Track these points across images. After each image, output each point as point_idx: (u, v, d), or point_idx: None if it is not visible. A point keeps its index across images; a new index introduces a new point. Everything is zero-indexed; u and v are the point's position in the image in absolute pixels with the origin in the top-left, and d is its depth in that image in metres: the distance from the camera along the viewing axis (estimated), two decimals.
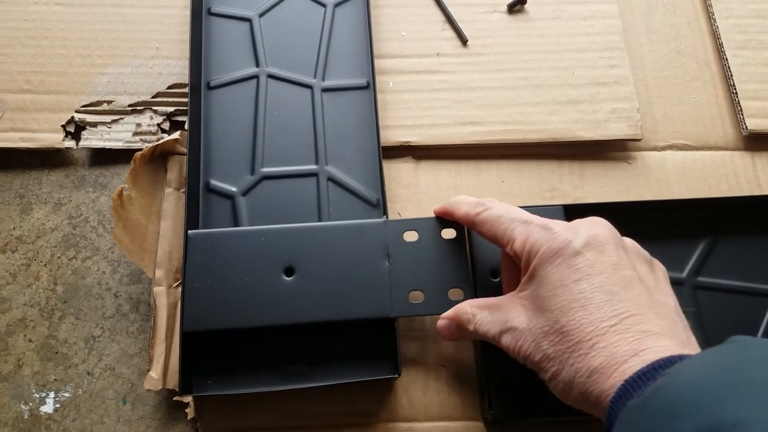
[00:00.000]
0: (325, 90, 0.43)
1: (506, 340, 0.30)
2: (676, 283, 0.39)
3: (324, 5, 0.46)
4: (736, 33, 0.48)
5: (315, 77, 0.43)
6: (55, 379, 0.37)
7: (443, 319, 0.33)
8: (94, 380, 0.38)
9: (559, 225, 0.30)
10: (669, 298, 0.29)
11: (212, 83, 0.43)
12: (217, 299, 0.34)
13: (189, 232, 0.36)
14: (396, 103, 0.44)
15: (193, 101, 0.41)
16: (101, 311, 0.39)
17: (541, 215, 0.36)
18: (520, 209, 0.32)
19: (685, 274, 0.39)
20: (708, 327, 0.38)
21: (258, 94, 0.43)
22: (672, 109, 0.46)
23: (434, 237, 0.36)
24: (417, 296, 0.35)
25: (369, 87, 0.43)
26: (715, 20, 0.48)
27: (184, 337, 0.34)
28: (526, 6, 0.48)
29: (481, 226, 0.33)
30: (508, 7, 0.48)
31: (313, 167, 0.41)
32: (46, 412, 0.37)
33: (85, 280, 0.40)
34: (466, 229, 0.37)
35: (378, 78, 0.45)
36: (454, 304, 0.35)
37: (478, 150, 0.44)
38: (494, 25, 0.48)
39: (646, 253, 0.31)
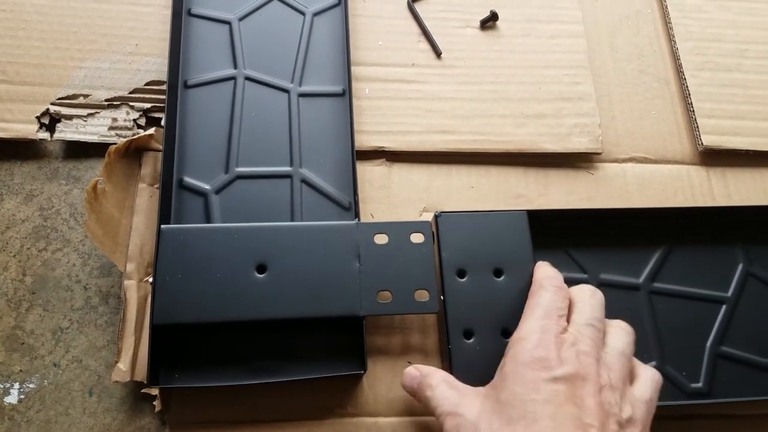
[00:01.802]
0: (301, 95, 0.44)
1: (449, 424, 0.30)
2: (632, 288, 0.41)
3: (303, 13, 0.47)
4: (694, 55, 0.51)
5: (292, 82, 0.44)
6: (21, 370, 0.37)
7: (414, 370, 0.34)
8: (61, 372, 0.37)
9: (555, 347, 0.30)
10: None
11: (189, 82, 0.43)
12: (187, 293, 0.35)
13: (162, 226, 0.36)
14: (371, 109, 0.46)
15: (170, 99, 0.41)
16: (70, 303, 0.39)
17: (505, 219, 0.38)
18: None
19: (641, 279, 0.41)
20: (662, 330, 0.40)
21: (235, 95, 0.43)
22: (633, 124, 0.49)
23: (403, 240, 0.37)
24: (385, 296, 0.36)
25: (345, 94, 0.44)
26: (675, 42, 0.51)
27: (154, 329, 0.35)
28: (498, 23, 0.50)
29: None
30: (480, 23, 0.50)
31: (287, 169, 0.42)
32: (10, 403, 0.36)
33: (55, 272, 0.40)
34: (433, 233, 0.38)
35: (355, 85, 0.46)
36: (421, 305, 0.36)
37: (449, 156, 0.45)
38: (467, 39, 0.49)
39: (625, 417, 0.29)
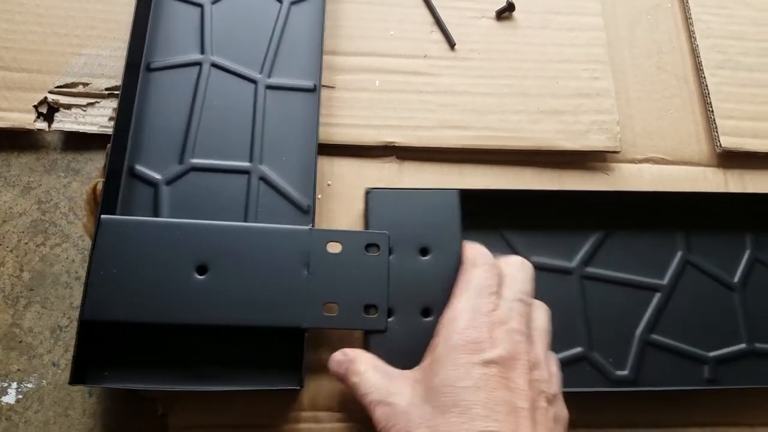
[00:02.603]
0: (269, 87, 0.42)
1: (379, 413, 0.30)
2: (564, 272, 0.40)
3: (280, 1, 0.45)
4: (715, 52, 0.49)
5: (261, 73, 0.42)
6: (18, 369, 0.36)
7: (341, 354, 0.33)
8: (60, 371, 0.36)
9: (486, 326, 0.30)
10: None
11: (152, 65, 0.41)
12: (122, 290, 0.33)
13: (102, 216, 0.34)
14: (382, 102, 0.44)
15: (128, 81, 0.39)
16: (69, 300, 0.38)
17: (437, 197, 0.38)
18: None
19: (574, 263, 0.40)
20: (592, 316, 0.39)
21: (198, 82, 0.41)
22: (651, 123, 0.47)
23: (358, 251, 0.36)
24: (331, 308, 0.35)
25: (315, 90, 0.42)
26: (695, 39, 0.50)
27: (82, 325, 0.33)
28: (515, 13, 0.48)
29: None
30: (496, 13, 0.48)
31: (246, 164, 0.39)
32: (7, 403, 0.35)
33: (53, 268, 0.39)
34: (388, 246, 0.36)
35: (364, 76, 0.44)
36: (368, 321, 0.35)
37: (461, 154, 0.44)
38: (482, 30, 0.48)
39: (552, 391, 0.30)
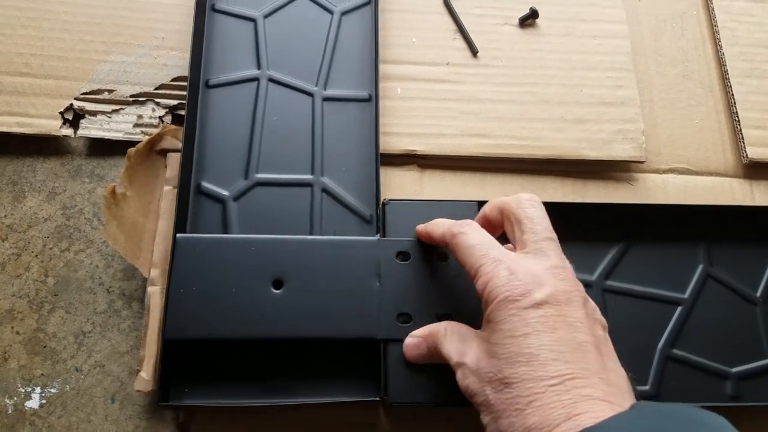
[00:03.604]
0: (326, 99, 0.42)
1: (459, 374, 0.30)
2: (585, 285, 0.39)
3: (331, 12, 0.45)
4: (741, 61, 0.48)
5: (317, 85, 0.43)
6: (42, 374, 0.36)
7: (413, 338, 0.33)
8: (83, 377, 0.37)
9: (525, 271, 0.29)
10: (618, 366, 0.29)
11: (211, 82, 0.42)
12: (201, 307, 0.34)
13: (177, 236, 0.35)
14: (404, 110, 0.44)
15: (190, 99, 0.40)
16: (93, 306, 0.38)
17: (454, 209, 0.37)
18: (493, 243, 0.31)
19: (595, 276, 0.40)
20: (612, 330, 0.38)
21: (257, 97, 0.42)
22: (675, 132, 0.47)
23: (427, 260, 0.36)
24: (406, 319, 0.35)
25: (371, 100, 0.42)
26: (721, 47, 0.49)
27: (165, 344, 0.33)
28: (538, 20, 0.48)
29: (455, 250, 0.32)
30: (519, 20, 0.48)
31: (308, 177, 0.40)
32: (31, 408, 0.36)
33: (77, 273, 0.39)
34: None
35: (386, 84, 0.44)
36: None
37: (483, 162, 0.44)
38: (505, 37, 0.47)
39: (602, 318, 0.30)
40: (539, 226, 0.31)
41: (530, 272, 0.29)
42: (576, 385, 0.26)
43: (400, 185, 0.42)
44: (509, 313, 0.28)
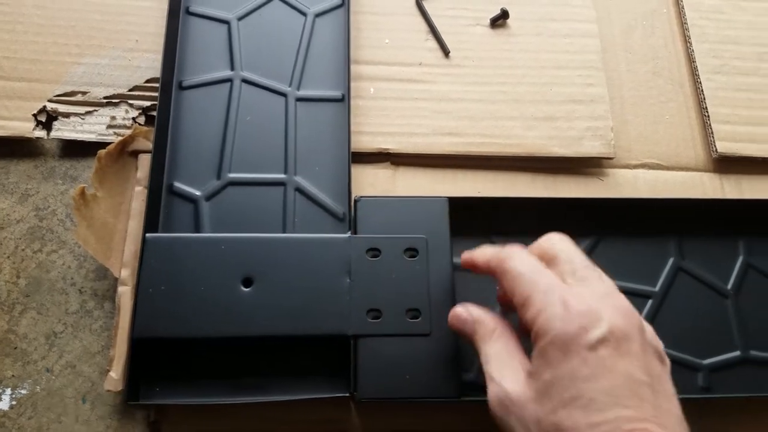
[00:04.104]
0: (299, 99, 0.43)
1: (492, 392, 0.28)
2: None
3: (305, 14, 0.46)
4: (710, 57, 0.49)
5: (290, 86, 0.43)
6: (13, 375, 0.36)
7: (465, 312, 0.31)
8: (54, 378, 0.37)
9: (579, 302, 0.27)
10: (674, 405, 0.27)
11: (184, 83, 0.42)
12: (171, 306, 0.34)
13: (147, 235, 0.35)
14: (376, 109, 0.44)
15: (162, 100, 0.40)
16: (64, 307, 0.38)
17: (425, 205, 0.38)
18: (543, 269, 0.29)
19: None
20: None
21: (231, 98, 0.42)
22: (646, 128, 0.47)
23: (397, 256, 0.36)
24: (376, 315, 0.35)
25: (344, 100, 0.43)
26: (691, 44, 0.50)
27: (134, 343, 0.34)
28: (509, 21, 0.48)
29: (501, 278, 0.30)
30: (491, 21, 0.48)
31: (281, 176, 0.40)
32: (1, 409, 0.36)
33: (50, 274, 0.39)
34: (426, 249, 0.37)
35: (359, 84, 0.45)
36: (412, 325, 0.35)
37: (455, 160, 0.44)
38: (476, 38, 0.48)
39: (658, 344, 0.29)
40: (576, 257, 0.30)
41: (585, 303, 0.27)
42: (633, 428, 0.24)
43: (373, 183, 0.43)
44: (566, 352, 0.26)
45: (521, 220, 0.40)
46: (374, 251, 0.36)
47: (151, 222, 0.37)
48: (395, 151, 0.43)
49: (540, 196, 0.42)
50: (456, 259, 0.39)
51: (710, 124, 0.46)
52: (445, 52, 0.47)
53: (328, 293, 0.35)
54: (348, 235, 0.37)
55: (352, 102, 0.43)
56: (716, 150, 0.45)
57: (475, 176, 0.44)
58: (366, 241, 0.36)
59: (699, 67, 0.49)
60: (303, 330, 0.34)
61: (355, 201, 0.38)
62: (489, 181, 0.44)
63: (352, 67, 0.44)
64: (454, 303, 0.35)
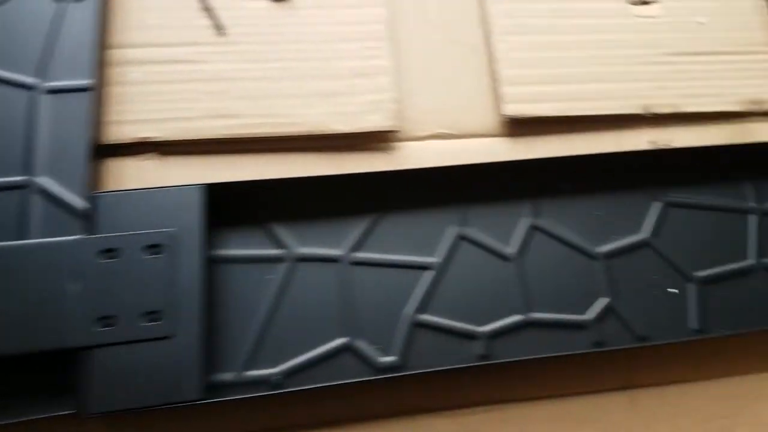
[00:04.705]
0: (45, 92, 0.39)
1: None
2: (332, 260, 0.39)
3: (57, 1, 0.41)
4: (505, 18, 0.48)
5: (36, 77, 0.39)
6: None
7: None
8: None
9: None
10: None
11: None
12: None
13: None
14: (139, 95, 0.41)
15: None
16: None
17: (175, 195, 0.36)
18: None
19: (342, 251, 0.39)
20: (359, 303, 0.38)
21: None
22: (439, 98, 0.46)
23: (136, 254, 0.34)
24: (108, 323, 0.32)
25: (93, 89, 0.39)
26: (486, 5, 0.48)
27: None
28: None
29: None
30: None
31: (19, 178, 0.36)
32: None
33: None
34: (175, 245, 0.34)
35: (118, 69, 0.41)
36: (150, 329, 0.32)
37: (233, 144, 0.41)
38: (256, 13, 0.45)
39: None
40: None
41: None
42: None
43: (139, 177, 0.40)
44: None
45: (300, 203, 0.39)
46: (111, 252, 0.33)
47: None
48: (162, 139, 0.40)
49: (317, 175, 0.40)
50: (216, 252, 0.37)
51: (501, 87, 0.45)
52: (220, 29, 0.44)
53: (48, 304, 0.32)
54: (77, 237, 0.34)
55: (113, 89, 0.40)
56: (505, 113, 0.45)
57: (257, 160, 0.42)
58: (99, 241, 0.34)
59: (492, 29, 0.48)
60: (12, 349, 0.31)
61: (93, 198, 0.35)
62: (270, 164, 0.41)
63: (114, 52, 0.40)
64: (205, 300, 0.33)
